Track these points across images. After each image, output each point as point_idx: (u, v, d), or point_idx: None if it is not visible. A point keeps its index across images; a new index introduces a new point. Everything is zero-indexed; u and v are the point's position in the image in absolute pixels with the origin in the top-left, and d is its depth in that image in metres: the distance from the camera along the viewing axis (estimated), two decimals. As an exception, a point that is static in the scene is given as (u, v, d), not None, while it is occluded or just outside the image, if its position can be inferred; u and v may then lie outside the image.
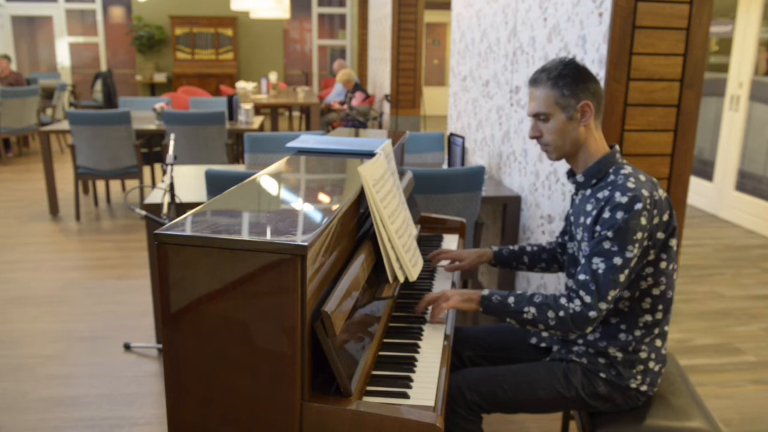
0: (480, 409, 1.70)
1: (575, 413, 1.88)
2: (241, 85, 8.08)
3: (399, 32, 7.95)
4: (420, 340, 1.63)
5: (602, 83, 2.36)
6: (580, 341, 1.75)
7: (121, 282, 3.98)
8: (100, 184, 6.57)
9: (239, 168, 3.80)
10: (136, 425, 2.49)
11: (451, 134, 3.72)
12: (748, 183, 5.49)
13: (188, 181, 3.39)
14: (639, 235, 1.56)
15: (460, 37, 4.27)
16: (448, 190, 2.90)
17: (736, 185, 5.59)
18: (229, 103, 5.85)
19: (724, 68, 5.79)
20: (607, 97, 2.32)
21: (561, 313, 1.60)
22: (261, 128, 5.85)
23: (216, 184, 2.70)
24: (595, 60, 2.43)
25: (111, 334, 3.27)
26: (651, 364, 1.71)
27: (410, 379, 1.43)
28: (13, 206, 5.76)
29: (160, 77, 11.81)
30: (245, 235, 1.19)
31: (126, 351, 3.09)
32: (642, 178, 1.63)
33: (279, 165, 1.85)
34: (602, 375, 1.70)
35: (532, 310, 1.64)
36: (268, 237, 1.18)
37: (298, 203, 1.46)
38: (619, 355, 1.69)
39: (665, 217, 1.62)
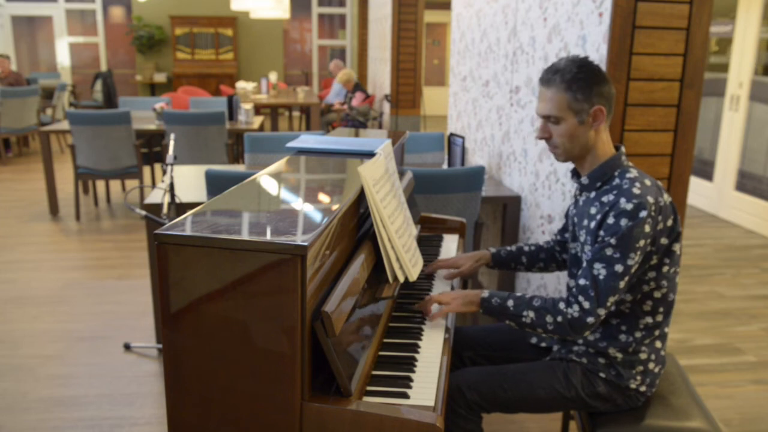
0: (480, 408, 1.70)
1: (575, 413, 1.88)
2: (241, 85, 8.08)
3: (399, 32, 7.95)
4: (420, 340, 1.63)
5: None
6: (580, 341, 1.75)
7: (121, 282, 3.98)
8: (100, 184, 6.57)
9: (239, 168, 3.80)
10: (136, 425, 2.49)
11: (451, 134, 3.72)
12: (748, 183, 5.49)
13: (188, 181, 3.39)
14: (642, 242, 1.55)
15: (460, 37, 4.27)
16: (448, 190, 2.90)
17: (736, 185, 5.59)
18: (229, 103, 5.85)
19: (723, 68, 5.79)
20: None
21: (559, 318, 1.60)
22: (261, 128, 5.85)
23: (216, 184, 2.70)
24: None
25: (111, 334, 3.27)
26: (651, 365, 1.71)
27: (410, 379, 1.43)
28: (13, 206, 5.76)
29: (160, 77, 11.81)
30: (245, 235, 1.19)
31: (126, 351, 3.09)
32: (647, 182, 1.61)
33: (279, 165, 1.85)
34: (602, 375, 1.70)
35: (531, 314, 1.64)
36: (268, 237, 1.18)
37: (298, 203, 1.46)
38: (619, 355, 1.69)
39: (669, 222, 1.61)
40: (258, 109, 7.57)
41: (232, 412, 1.25)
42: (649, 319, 1.68)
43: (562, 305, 1.61)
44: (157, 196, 3.05)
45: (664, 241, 1.61)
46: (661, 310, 1.68)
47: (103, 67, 12.17)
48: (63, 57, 12.10)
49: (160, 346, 2.94)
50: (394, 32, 7.97)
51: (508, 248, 2.06)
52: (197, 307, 1.21)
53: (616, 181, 1.64)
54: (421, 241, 2.35)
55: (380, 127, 8.81)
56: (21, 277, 4.05)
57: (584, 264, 1.62)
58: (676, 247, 1.64)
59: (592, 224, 1.63)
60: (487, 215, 3.72)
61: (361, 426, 1.23)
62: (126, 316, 3.48)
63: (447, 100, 11.86)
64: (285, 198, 1.51)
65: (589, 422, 1.75)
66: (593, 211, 1.65)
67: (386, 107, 8.67)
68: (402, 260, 1.71)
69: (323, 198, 1.51)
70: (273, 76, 8.78)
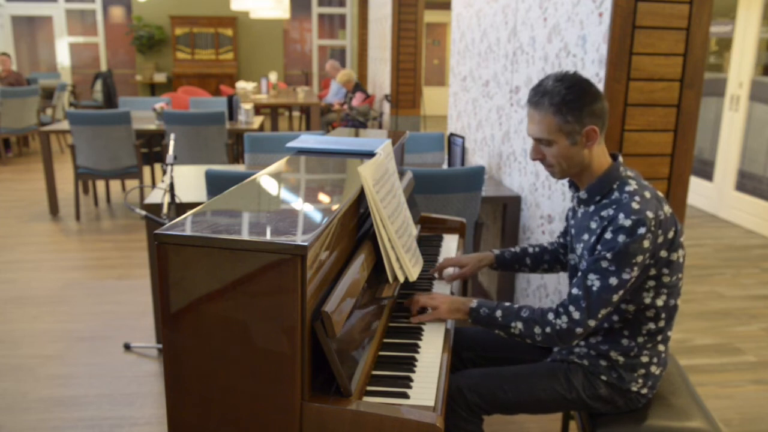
0: (480, 410, 1.70)
1: (575, 413, 1.88)
2: (241, 85, 8.08)
3: (399, 32, 7.95)
4: (420, 340, 1.63)
5: (602, 83, 2.36)
6: (582, 343, 1.75)
7: (121, 282, 3.98)
8: (100, 184, 6.57)
9: (239, 168, 3.80)
10: (136, 425, 2.49)
11: (451, 134, 3.72)
12: (748, 183, 5.49)
13: (188, 181, 3.39)
14: (640, 258, 1.53)
15: (460, 37, 4.27)
16: (448, 190, 2.90)
17: (736, 185, 5.59)
18: (229, 103, 5.85)
19: (723, 68, 5.79)
20: (607, 97, 2.32)
21: (547, 329, 1.59)
22: (261, 128, 5.85)
23: (216, 184, 2.70)
24: (595, 60, 2.43)
25: (111, 334, 3.27)
26: (653, 368, 1.70)
27: (410, 379, 1.43)
28: (13, 206, 5.76)
29: (160, 77, 11.81)
30: (245, 235, 1.19)
31: (126, 351, 3.09)
32: (647, 195, 1.57)
33: (279, 165, 1.85)
34: (603, 377, 1.69)
35: (519, 325, 1.63)
36: (268, 237, 1.18)
37: (298, 203, 1.46)
38: (621, 359, 1.69)
39: (670, 235, 1.58)
40: (258, 109, 7.57)
41: (232, 412, 1.25)
42: (651, 325, 1.67)
43: (550, 316, 1.60)
44: (157, 196, 3.05)
45: (663, 254, 1.59)
46: (663, 315, 1.67)
47: (103, 67, 12.17)
48: (63, 57, 12.10)
49: (160, 346, 2.94)
50: (394, 32, 7.97)
51: (512, 250, 2.05)
52: (197, 307, 1.21)
53: (615, 194, 1.61)
54: (421, 241, 2.35)
55: (380, 127, 8.81)
56: (21, 277, 4.05)
57: (579, 274, 1.61)
58: (675, 257, 1.61)
59: (592, 239, 1.61)
60: (487, 215, 3.72)
61: (361, 426, 1.23)
62: (126, 316, 3.48)
63: (447, 100, 11.86)
64: (285, 198, 1.51)
65: (589, 422, 1.75)
66: (593, 225, 1.63)
67: (386, 107, 8.67)
68: (402, 260, 1.71)
69: (323, 198, 1.51)
70: (273, 76, 8.78)
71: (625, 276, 1.53)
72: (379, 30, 9.13)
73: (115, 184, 6.60)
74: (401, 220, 1.77)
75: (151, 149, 5.89)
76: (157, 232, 1.19)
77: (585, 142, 1.61)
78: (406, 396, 1.36)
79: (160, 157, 5.88)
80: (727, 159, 5.67)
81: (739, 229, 5.37)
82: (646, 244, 1.53)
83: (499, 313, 1.66)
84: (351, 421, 1.23)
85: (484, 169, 2.94)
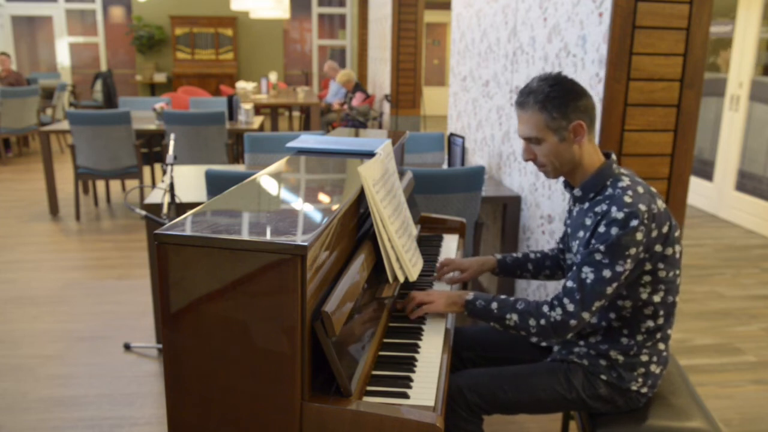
0: (480, 410, 1.70)
1: (575, 413, 1.88)
2: (241, 85, 8.08)
3: (399, 32, 7.95)
4: (420, 340, 1.63)
5: (602, 83, 2.36)
6: (581, 342, 1.75)
7: (121, 282, 3.98)
8: (100, 184, 6.57)
9: (239, 168, 3.80)
10: (136, 425, 2.49)
11: (451, 134, 3.72)
12: (748, 183, 5.49)
13: (188, 181, 3.39)
14: (633, 250, 1.55)
15: (460, 37, 4.27)
16: (448, 190, 2.90)
17: (736, 185, 5.59)
18: (229, 103, 5.85)
19: (719, 68, 5.79)
20: (607, 97, 2.32)
21: (542, 321, 1.60)
22: (261, 128, 5.85)
23: (216, 184, 2.70)
24: (595, 60, 2.43)
25: (111, 334, 3.27)
26: (653, 367, 1.71)
27: (410, 379, 1.43)
28: (13, 206, 5.76)
29: (160, 77, 11.81)
30: (245, 235, 1.19)
31: (126, 351, 3.09)
32: (640, 190, 1.59)
33: (279, 165, 1.85)
34: (603, 377, 1.70)
35: (515, 317, 1.64)
36: (268, 237, 1.18)
37: (298, 203, 1.46)
38: (621, 358, 1.69)
39: (664, 229, 1.60)
40: (258, 109, 7.57)
41: (232, 412, 1.25)
42: (650, 323, 1.68)
43: (545, 308, 1.61)
44: (157, 196, 3.05)
45: (658, 248, 1.60)
46: (661, 313, 1.67)
47: (103, 67, 12.17)
48: (63, 57, 12.10)
49: (160, 346, 2.94)
50: (394, 32, 7.97)
51: (514, 255, 2.05)
52: (197, 307, 1.21)
53: (609, 191, 1.63)
54: (421, 241, 2.35)
55: (380, 127, 8.81)
56: (21, 277, 4.05)
57: (574, 267, 1.62)
58: (670, 252, 1.62)
59: (587, 235, 1.62)
60: (487, 215, 3.72)
61: (361, 426, 1.23)
62: (126, 316, 3.48)
63: (447, 100, 11.85)
64: (285, 198, 1.51)
65: (589, 422, 1.75)
66: (588, 222, 1.64)
67: (386, 107, 8.67)
68: (402, 260, 1.71)
69: (323, 198, 1.51)
70: (273, 76, 8.78)
71: (619, 268, 1.55)
72: (379, 30, 9.13)
73: (115, 184, 6.60)
74: (401, 220, 1.77)
75: (151, 149, 5.89)
76: (157, 232, 1.19)
77: (573, 138, 1.64)
78: (406, 396, 1.36)
79: (160, 157, 5.88)
80: (727, 159, 5.67)
81: (739, 229, 5.37)
82: (639, 236, 1.54)
83: (494, 305, 1.67)
84: (351, 421, 1.23)
85: (484, 169, 2.94)
